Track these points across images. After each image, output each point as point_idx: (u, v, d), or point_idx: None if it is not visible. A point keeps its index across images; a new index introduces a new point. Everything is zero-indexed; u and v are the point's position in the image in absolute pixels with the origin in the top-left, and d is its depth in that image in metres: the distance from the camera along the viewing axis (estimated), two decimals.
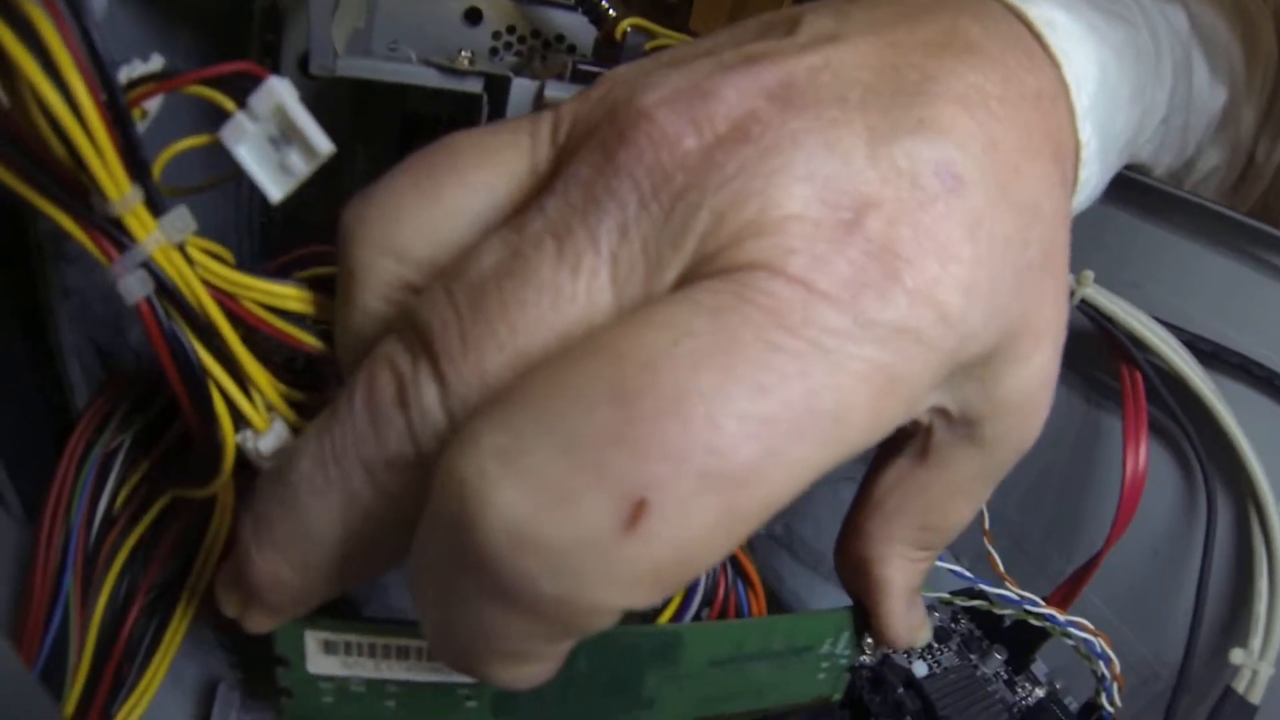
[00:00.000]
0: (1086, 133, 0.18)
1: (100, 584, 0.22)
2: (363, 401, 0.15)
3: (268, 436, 0.18)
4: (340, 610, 0.19)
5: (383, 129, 0.30)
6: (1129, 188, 0.29)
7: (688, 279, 0.13)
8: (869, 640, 0.23)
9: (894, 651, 0.29)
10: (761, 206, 0.13)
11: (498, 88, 0.23)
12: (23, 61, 0.14)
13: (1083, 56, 0.17)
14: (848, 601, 0.32)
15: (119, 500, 0.23)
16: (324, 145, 0.16)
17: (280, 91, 0.16)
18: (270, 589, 0.16)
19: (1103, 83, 0.18)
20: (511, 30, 0.30)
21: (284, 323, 0.18)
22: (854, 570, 0.21)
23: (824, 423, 0.13)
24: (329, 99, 0.29)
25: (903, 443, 0.19)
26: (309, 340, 0.18)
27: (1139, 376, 0.27)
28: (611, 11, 0.27)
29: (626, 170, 0.14)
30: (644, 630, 0.22)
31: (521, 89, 0.23)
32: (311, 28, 0.23)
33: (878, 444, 0.19)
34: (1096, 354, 0.29)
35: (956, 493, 0.19)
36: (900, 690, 0.26)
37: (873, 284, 0.13)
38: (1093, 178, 0.19)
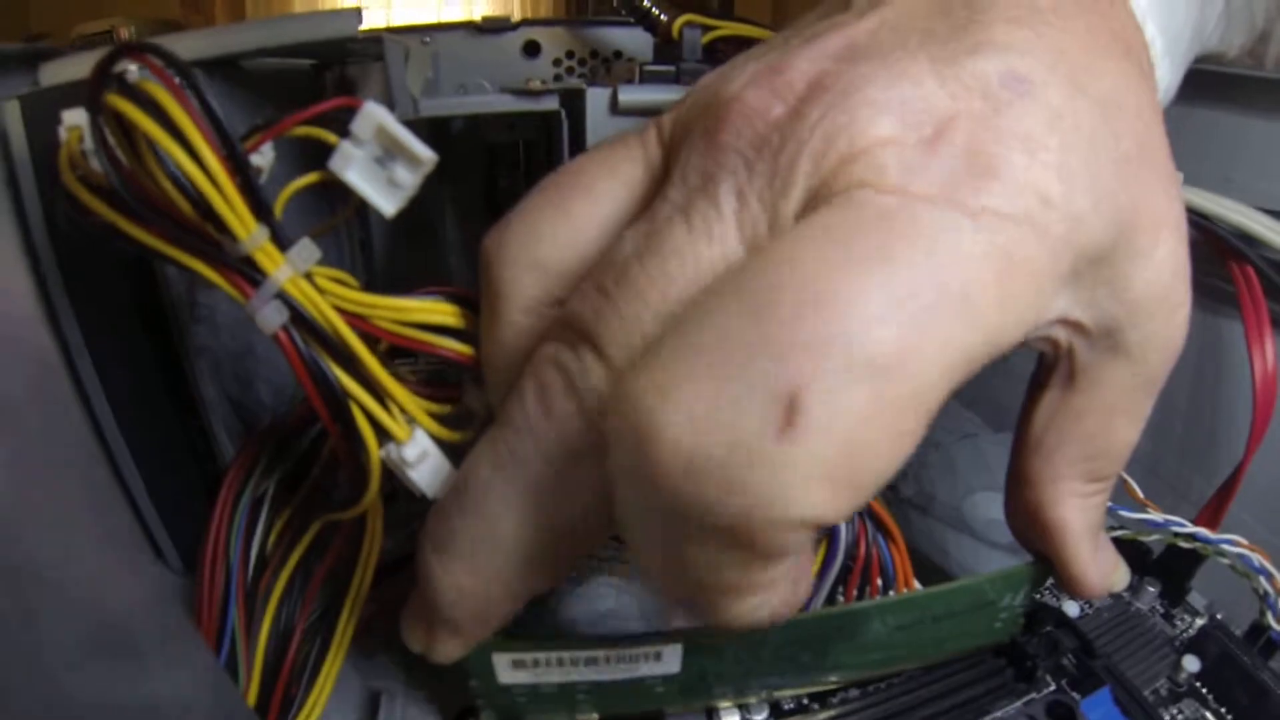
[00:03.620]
0: (1150, 32, 0.18)
1: (261, 616, 0.24)
2: (534, 400, 0.16)
3: (410, 446, 0.18)
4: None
5: (466, 169, 0.32)
6: (1200, 80, 0.28)
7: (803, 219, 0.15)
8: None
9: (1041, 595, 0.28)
10: (850, 137, 0.14)
11: (574, 100, 0.24)
12: (154, 133, 0.15)
13: None
14: (989, 552, 0.31)
15: (270, 541, 0.25)
16: (426, 153, 0.17)
17: (378, 112, 0.17)
18: (455, 604, 0.18)
19: None
20: (570, 55, 0.31)
21: (421, 333, 0.19)
22: (1028, 522, 0.20)
23: (954, 301, 0.13)
24: None
25: (1048, 374, 0.19)
26: (449, 345, 0.19)
27: (1251, 271, 0.26)
28: (662, 16, 0.28)
29: (730, 145, 0.15)
30: (832, 613, 0.23)
31: (596, 97, 0.24)
32: (390, 80, 0.25)
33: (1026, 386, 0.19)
34: (1202, 259, 0.28)
35: (1116, 412, 0.18)
36: (1053, 629, 0.25)
37: (966, 182, 0.14)
38: (1164, 77, 0.19)
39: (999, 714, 0.24)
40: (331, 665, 0.24)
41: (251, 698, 0.23)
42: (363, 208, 0.31)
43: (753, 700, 0.24)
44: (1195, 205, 0.27)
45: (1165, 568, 0.28)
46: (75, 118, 0.19)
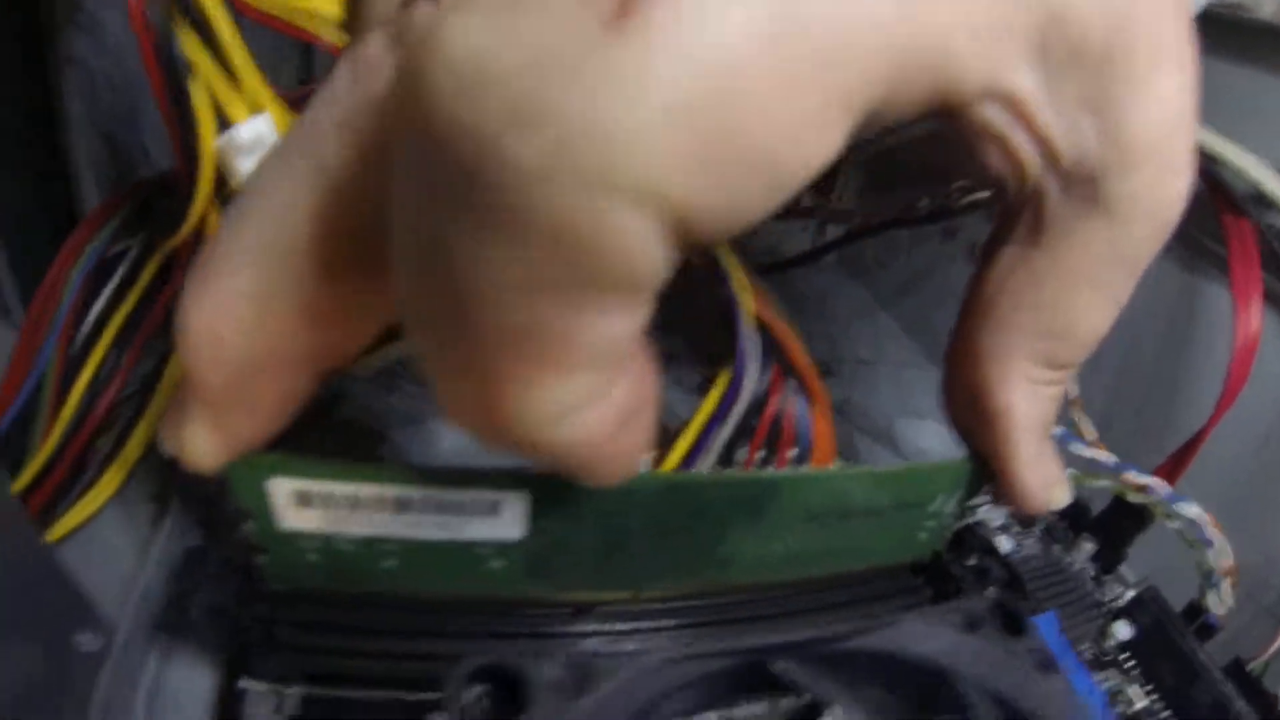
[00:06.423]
0: None
1: (75, 375, 0.21)
2: (346, 63, 0.12)
3: (245, 126, 0.15)
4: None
5: None
6: (1221, 30, 0.26)
7: None
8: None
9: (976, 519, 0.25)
10: None
11: None
12: None
13: None
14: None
15: (119, 314, 0.22)
16: None
17: None
18: (208, 361, 0.12)
19: None
20: None
21: (281, 8, 0.16)
22: (967, 405, 0.17)
23: None
24: None
25: (1010, 225, 0.16)
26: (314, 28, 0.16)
27: (1248, 229, 0.24)
28: None
29: None
30: (724, 478, 0.19)
31: None
32: None
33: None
34: (1194, 209, 0.26)
35: (1082, 281, 0.15)
36: (983, 558, 0.22)
37: None
38: None
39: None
40: (136, 446, 0.21)
41: (44, 454, 0.20)
42: None
43: (618, 597, 0.19)
44: (1207, 147, 0.24)
45: (1104, 526, 0.25)
46: None
